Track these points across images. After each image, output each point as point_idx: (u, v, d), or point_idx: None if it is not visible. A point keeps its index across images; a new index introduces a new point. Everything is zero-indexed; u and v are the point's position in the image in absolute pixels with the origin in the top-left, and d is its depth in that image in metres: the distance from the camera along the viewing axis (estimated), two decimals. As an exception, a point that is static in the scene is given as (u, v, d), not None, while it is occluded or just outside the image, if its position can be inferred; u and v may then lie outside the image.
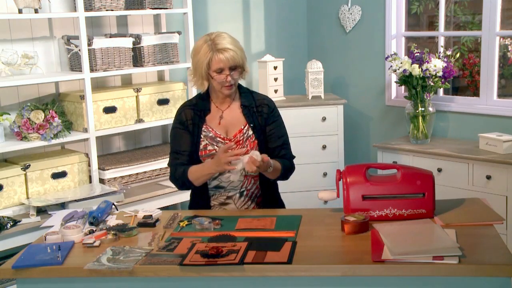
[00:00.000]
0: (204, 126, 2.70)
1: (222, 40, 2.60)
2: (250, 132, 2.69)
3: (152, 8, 3.85)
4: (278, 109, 2.81)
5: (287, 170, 2.72)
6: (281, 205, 2.85)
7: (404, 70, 4.07)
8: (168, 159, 2.77)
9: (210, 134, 2.69)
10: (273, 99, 4.39)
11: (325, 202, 3.91)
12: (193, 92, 4.07)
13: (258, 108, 2.73)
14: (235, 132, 2.69)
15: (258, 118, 2.71)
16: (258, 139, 2.68)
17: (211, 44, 2.59)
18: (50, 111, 3.46)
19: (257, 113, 2.72)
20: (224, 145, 2.63)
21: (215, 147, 2.66)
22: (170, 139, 2.77)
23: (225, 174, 2.66)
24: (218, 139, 2.68)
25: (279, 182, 2.82)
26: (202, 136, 2.69)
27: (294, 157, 2.79)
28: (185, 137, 2.70)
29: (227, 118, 2.72)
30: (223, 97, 2.71)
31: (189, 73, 2.78)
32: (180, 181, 2.68)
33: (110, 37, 3.79)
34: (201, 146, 2.68)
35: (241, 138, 2.68)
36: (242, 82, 2.84)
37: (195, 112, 2.72)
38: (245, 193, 2.71)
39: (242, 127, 2.70)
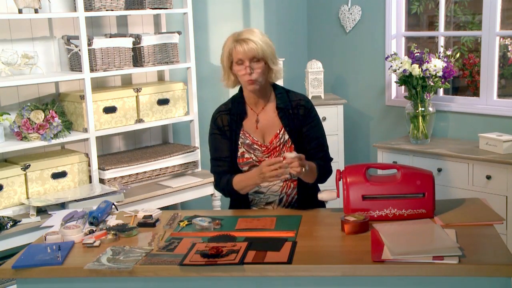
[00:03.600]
0: (241, 132, 2.63)
1: (247, 33, 2.56)
2: (286, 136, 2.60)
3: (152, 8, 3.85)
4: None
5: (324, 172, 2.63)
6: (321, 205, 2.74)
7: (404, 70, 4.07)
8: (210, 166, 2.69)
9: (247, 141, 2.62)
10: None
11: (325, 202, 3.90)
12: (193, 92, 4.07)
13: (294, 110, 2.62)
14: (271, 138, 2.62)
15: (294, 121, 2.61)
16: (294, 143, 2.60)
17: (235, 36, 2.56)
18: (50, 111, 3.46)
19: (293, 115, 2.61)
20: (261, 153, 2.59)
21: (252, 155, 2.61)
22: (209, 145, 2.70)
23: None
24: (255, 146, 2.62)
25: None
26: (239, 143, 2.62)
27: (331, 159, 2.70)
28: (224, 143, 2.64)
29: (263, 122, 2.64)
30: (254, 97, 2.63)
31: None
32: (226, 191, 2.64)
33: (110, 37, 3.79)
34: (238, 154, 2.62)
35: (278, 144, 2.61)
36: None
37: (231, 117, 2.64)
38: (284, 198, 2.66)
39: (278, 131, 2.61)
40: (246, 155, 2.62)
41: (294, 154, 2.41)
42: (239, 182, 2.58)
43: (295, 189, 2.65)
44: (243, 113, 2.65)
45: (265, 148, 2.61)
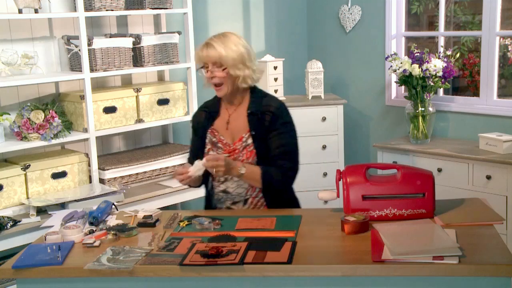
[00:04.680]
0: (210, 130, 2.69)
1: (216, 37, 2.60)
2: (250, 140, 2.62)
3: (152, 8, 3.85)
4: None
5: (274, 181, 2.59)
6: (295, 206, 2.78)
7: (404, 70, 4.07)
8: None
9: (214, 139, 2.68)
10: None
11: (325, 202, 3.91)
12: (193, 92, 4.07)
13: (262, 115, 2.61)
14: (236, 140, 2.66)
15: (261, 126, 2.61)
16: (257, 148, 2.60)
17: (207, 39, 2.62)
18: (50, 111, 3.46)
19: (261, 121, 2.61)
20: (223, 151, 2.64)
21: (215, 152, 2.66)
22: (191, 146, 2.84)
23: (229, 180, 2.64)
24: (220, 144, 2.67)
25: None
26: (206, 141, 2.69)
27: (294, 168, 2.65)
28: (195, 143, 2.75)
29: (233, 123, 2.67)
30: (228, 99, 2.67)
31: None
32: None
33: (110, 37, 3.79)
34: (205, 150, 2.69)
35: (239, 146, 2.64)
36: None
37: (206, 115, 2.71)
38: (249, 200, 2.68)
39: (244, 134, 2.64)
40: (211, 152, 2.68)
41: (201, 162, 2.51)
42: None
43: (260, 192, 2.66)
44: (216, 112, 2.72)
45: (228, 147, 2.66)
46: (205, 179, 2.71)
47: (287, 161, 2.61)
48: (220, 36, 2.61)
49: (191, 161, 2.70)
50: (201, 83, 4.34)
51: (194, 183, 2.69)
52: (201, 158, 2.61)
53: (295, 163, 2.66)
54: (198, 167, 2.53)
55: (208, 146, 2.68)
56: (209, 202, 2.78)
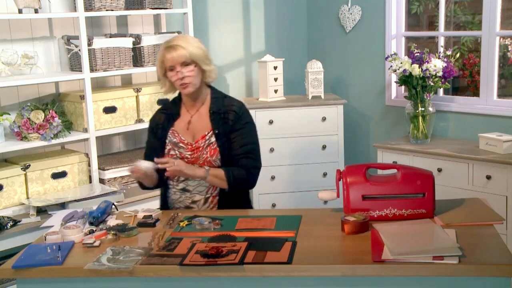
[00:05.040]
0: (170, 131, 2.73)
1: (176, 39, 2.65)
2: (213, 139, 2.67)
3: (152, 8, 3.85)
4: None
5: (238, 180, 2.65)
6: (248, 207, 2.86)
7: (404, 70, 4.07)
8: None
9: (174, 140, 2.72)
10: (273, 99, 4.45)
11: (325, 202, 3.91)
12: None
13: (225, 114, 2.69)
14: (198, 138, 2.70)
15: (224, 125, 2.69)
16: (220, 146, 2.65)
17: (165, 44, 2.65)
18: (50, 111, 3.46)
19: (224, 120, 2.69)
20: (185, 150, 2.69)
21: (176, 152, 2.70)
22: (147, 143, 2.88)
23: (190, 179, 2.69)
24: (181, 144, 2.71)
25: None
26: (167, 141, 2.73)
27: (257, 167, 2.72)
28: (152, 143, 2.79)
29: (194, 123, 2.73)
30: (190, 100, 2.73)
31: None
32: (140, 185, 2.83)
33: (110, 37, 3.79)
34: (166, 150, 2.72)
35: (202, 144, 2.68)
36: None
37: (165, 117, 2.77)
38: (210, 199, 2.72)
39: (206, 133, 2.69)
40: (172, 152, 2.72)
41: (145, 164, 2.59)
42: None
43: (220, 190, 2.71)
44: (176, 114, 2.76)
45: (190, 146, 2.69)
46: (162, 181, 2.75)
47: (251, 159, 2.69)
48: (181, 37, 2.71)
49: None
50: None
51: (148, 182, 2.72)
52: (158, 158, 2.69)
53: (258, 162, 2.74)
54: (149, 165, 2.59)
55: (168, 146, 2.72)
56: (165, 202, 2.80)
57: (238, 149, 2.68)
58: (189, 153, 2.69)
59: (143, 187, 2.83)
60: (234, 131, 2.68)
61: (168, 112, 2.79)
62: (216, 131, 2.68)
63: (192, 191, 2.72)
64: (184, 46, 2.60)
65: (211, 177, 2.62)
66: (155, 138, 2.78)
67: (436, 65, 4.00)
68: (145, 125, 3.87)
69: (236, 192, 2.74)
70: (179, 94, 2.80)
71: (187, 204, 2.74)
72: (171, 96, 2.90)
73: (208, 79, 2.73)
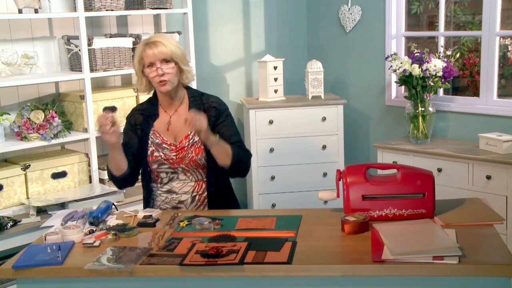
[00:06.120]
0: (151, 132, 2.71)
1: (156, 36, 2.65)
2: (196, 138, 2.67)
3: (152, 8, 3.85)
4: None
5: (240, 161, 2.66)
6: (236, 206, 2.87)
7: (404, 70, 4.07)
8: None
9: (157, 141, 2.70)
10: (273, 99, 4.46)
11: (325, 202, 3.91)
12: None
13: (206, 112, 2.67)
14: (181, 139, 2.69)
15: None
16: (205, 145, 2.64)
17: (145, 40, 2.64)
18: (50, 111, 3.46)
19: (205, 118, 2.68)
20: (169, 151, 2.67)
21: (161, 153, 2.68)
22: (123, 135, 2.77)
23: (174, 180, 2.70)
24: (164, 145, 2.69)
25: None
26: (149, 142, 2.70)
27: (251, 155, 2.78)
28: (132, 138, 2.73)
29: (175, 124, 2.71)
30: (168, 99, 2.71)
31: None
32: (108, 173, 2.76)
33: (110, 37, 3.80)
34: (148, 152, 2.70)
35: (186, 144, 2.68)
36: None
37: (144, 118, 2.73)
38: (197, 198, 2.72)
39: (189, 132, 2.68)
40: (155, 153, 2.69)
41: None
42: (109, 159, 2.68)
43: (206, 190, 2.72)
44: (154, 114, 2.73)
45: (174, 147, 2.68)
46: (132, 176, 2.73)
47: (244, 149, 2.73)
48: (160, 35, 2.71)
49: (130, 156, 2.70)
50: (201, 83, 4.36)
51: (115, 165, 2.65)
52: (139, 160, 2.70)
53: (249, 151, 2.80)
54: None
55: (151, 148, 2.69)
56: (149, 205, 2.79)
57: (229, 138, 2.68)
58: (174, 153, 2.68)
59: (111, 175, 2.74)
60: (218, 125, 2.70)
61: (145, 113, 2.74)
62: None
63: (178, 192, 2.72)
64: (165, 44, 2.59)
65: (220, 146, 2.59)
66: (137, 136, 2.72)
67: (436, 65, 4.00)
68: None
69: (224, 189, 2.76)
70: (154, 94, 2.76)
71: (174, 204, 2.74)
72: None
73: (185, 80, 2.72)
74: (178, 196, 2.73)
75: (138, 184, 3.77)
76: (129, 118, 2.79)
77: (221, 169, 2.69)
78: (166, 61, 2.60)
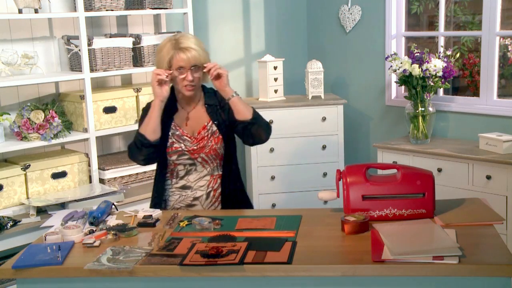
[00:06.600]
0: (172, 124, 2.72)
1: (186, 40, 2.63)
2: (214, 128, 2.71)
3: (152, 8, 3.85)
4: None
5: (261, 118, 2.70)
6: (249, 205, 2.88)
7: (404, 70, 4.07)
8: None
9: (177, 133, 2.71)
10: (273, 99, 4.46)
11: (325, 202, 3.91)
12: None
13: (221, 104, 2.73)
14: (199, 130, 2.71)
15: (222, 115, 2.73)
16: (223, 134, 2.70)
17: (175, 43, 2.61)
18: (50, 111, 3.46)
19: (221, 111, 2.73)
20: (190, 143, 2.68)
21: (182, 145, 2.69)
22: (141, 121, 2.75)
23: (191, 174, 2.70)
24: (185, 137, 2.71)
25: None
26: (170, 133, 2.71)
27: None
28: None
29: (192, 120, 2.74)
30: (186, 99, 2.72)
31: None
32: (133, 144, 2.69)
33: (110, 37, 3.79)
34: (168, 143, 2.70)
35: (205, 134, 2.71)
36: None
37: (164, 109, 2.71)
38: (211, 194, 2.73)
39: (206, 123, 2.72)
40: (175, 145, 2.70)
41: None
42: (144, 123, 2.65)
43: (220, 186, 2.73)
44: (174, 108, 2.75)
45: (194, 139, 2.70)
46: (157, 152, 2.67)
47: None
48: (190, 38, 2.67)
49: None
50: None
51: (154, 127, 2.61)
52: (164, 148, 2.67)
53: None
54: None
55: (171, 139, 2.70)
56: (160, 205, 2.75)
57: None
58: (195, 144, 2.69)
59: (146, 144, 2.64)
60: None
61: (166, 106, 2.72)
62: (216, 122, 2.71)
63: (193, 187, 2.72)
64: (196, 50, 2.61)
65: (239, 98, 2.64)
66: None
67: (436, 65, 4.00)
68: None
69: (237, 185, 2.78)
70: (172, 90, 2.74)
71: (188, 202, 2.74)
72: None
73: (205, 81, 2.76)
74: (193, 192, 2.72)
75: (139, 184, 3.80)
76: (147, 108, 2.75)
77: (236, 164, 2.76)
78: (196, 68, 2.62)
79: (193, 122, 2.74)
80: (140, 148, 2.66)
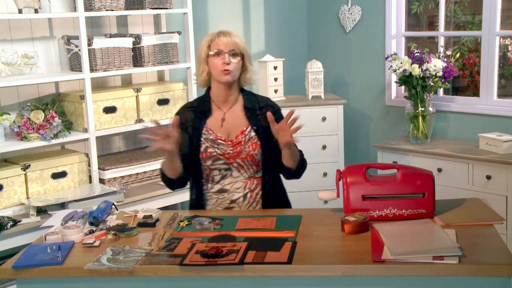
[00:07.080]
0: (204, 129, 2.66)
1: (228, 30, 2.66)
2: (253, 133, 2.65)
3: (152, 8, 3.85)
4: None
5: (303, 160, 2.72)
6: (287, 205, 2.82)
7: (404, 70, 4.07)
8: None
9: (211, 137, 2.65)
10: (273, 99, 4.43)
11: (325, 202, 3.91)
12: (193, 92, 4.06)
13: (261, 110, 2.68)
14: (237, 134, 2.66)
15: (261, 120, 2.66)
16: (261, 140, 2.64)
17: (216, 32, 2.65)
18: (50, 111, 3.46)
19: (261, 115, 2.67)
20: (225, 146, 2.63)
21: (216, 149, 2.64)
22: None
23: (227, 178, 2.65)
24: (219, 141, 2.65)
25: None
26: (202, 139, 2.65)
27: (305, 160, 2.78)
28: (182, 136, 2.62)
29: (229, 121, 2.68)
30: (223, 95, 2.67)
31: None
32: (161, 173, 2.69)
33: (110, 37, 3.79)
34: (201, 149, 2.64)
35: (243, 139, 2.65)
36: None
37: (195, 115, 2.69)
38: (249, 195, 2.68)
39: (244, 128, 2.66)
40: (210, 150, 2.65)
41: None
42: (164, 162, 2.64)
43: (258, 185, 2.68)
44: (207, 112, 2.70)
45: (230, 142, 2.65)
46: (185, 177, 2.68)
47: (300, 151, 2.76)
48: (230, 31, 2.68)
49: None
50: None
51: (171, 169, 2.60)
52: (191, 158, 2.64)
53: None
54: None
55: (205, 144, 2.64)
56: (199, 209, 2.71)
57: None
58: (231, 148, 2.63)
59: (167, 180, 2.67)
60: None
61: (197, 110, 2.70)
62: (255, 127, 2.66)
63: (229, 190, 2.66)
64: (237, 37, 2.63)
65: (293, 148, 2.62)
66: (187, 135, 2.66)
67: (436, 65, 4.00)
68: (145, 125, 3.88)
69: (277, 186, 2.76)
70: (207, 92, 2.72)
71: (226, 205, 2.68)
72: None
73: (246, 81, 2.71)
74: (230, 195, 2.66)
75: (139, 184, 3.80)
76: (180, 115, 2.68)
77: (276, 167, 2.70)
78: (234, 54, 2.60)
79: (229, 124, 2.67)
80: (166, 181, 2.70)
